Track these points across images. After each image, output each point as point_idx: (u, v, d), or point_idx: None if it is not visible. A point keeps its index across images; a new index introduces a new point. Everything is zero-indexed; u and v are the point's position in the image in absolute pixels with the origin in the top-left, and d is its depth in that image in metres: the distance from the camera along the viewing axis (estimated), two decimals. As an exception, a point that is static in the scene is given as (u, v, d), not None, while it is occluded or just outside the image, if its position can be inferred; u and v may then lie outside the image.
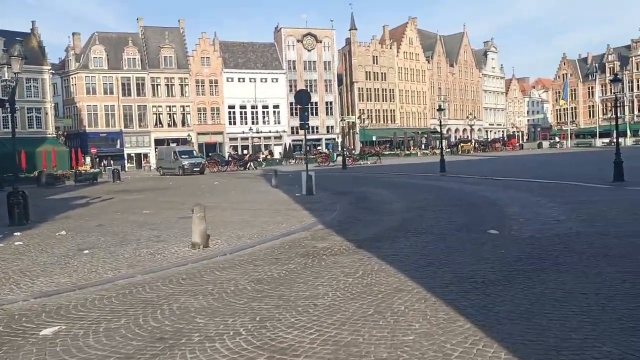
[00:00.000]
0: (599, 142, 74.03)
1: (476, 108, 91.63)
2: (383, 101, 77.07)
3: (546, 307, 4.86)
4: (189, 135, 63.84)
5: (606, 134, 79.74)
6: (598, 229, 8.82)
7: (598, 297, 5.08)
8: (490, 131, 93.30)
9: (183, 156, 42.10)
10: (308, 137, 70.09)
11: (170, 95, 64.81)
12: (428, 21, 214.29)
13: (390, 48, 77.86)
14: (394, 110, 78.14)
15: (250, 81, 67.97)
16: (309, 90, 67.40)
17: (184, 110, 65.39)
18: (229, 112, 67.30)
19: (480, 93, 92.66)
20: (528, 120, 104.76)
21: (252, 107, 68.24)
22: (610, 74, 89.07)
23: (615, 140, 68.04)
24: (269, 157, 60.15)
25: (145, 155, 63.58)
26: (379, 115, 76.73)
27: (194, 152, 47.28)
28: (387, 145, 68.72)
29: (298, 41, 70.86)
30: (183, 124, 65.17)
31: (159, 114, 64.58)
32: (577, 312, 4.70)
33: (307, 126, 20.19)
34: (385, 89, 77.22)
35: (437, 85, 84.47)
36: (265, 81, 68.65)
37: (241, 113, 67.76)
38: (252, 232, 10.72)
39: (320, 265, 7.28)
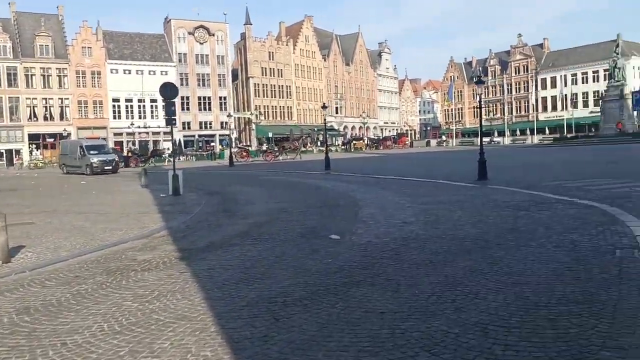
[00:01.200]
0: (478, 140, 78.59)
1: (371, 107, 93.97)
2: (280, 97, 76.49)
3: (333, 335, 4.23)
4: (64, 129, 59.10)
5: (488, 133, 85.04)
6: (437, 232, 8.58)
7: (394, 317, 4.55)
8: (385, 129, 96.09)
9: (92, 152, 35.27)
10: (201, 132, 68.21)
11: (47, 87, 59.75)
12: (325, 20, 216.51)
13: (287, 45, 77.44)
14: (290, 107, 77.84)
15: (137, 73, 64.42)
16: (203, 84, 65.70)
17: (62, 103, 60.54)
18: (114, 106, 63.37)
19: (375, 92, 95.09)
20: (420, 119, 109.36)
21: (139, 100, 64.74)
22: (492, 77, 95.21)
23: (492, 139, 71.93)
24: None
25: (18, 152, 58.06)
26: (276, 112, 76.05)
27: (106, 146, 40.10)
28: (306, 139, 67.05)
29: (189, 33, 68.23)
30: (62, 117, 60.33)
31: (33, 106, 59.27)
32: (363, 338, 4.12)
33: (174, 122, 18.87)
34: (282, 86, 76.70)
35: (333, 83, 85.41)
36: (154, 74, 65.37)
37: (127, 107, 64.04)
38: (76, 242, 9.41)
39: (119, 284, 6.27)
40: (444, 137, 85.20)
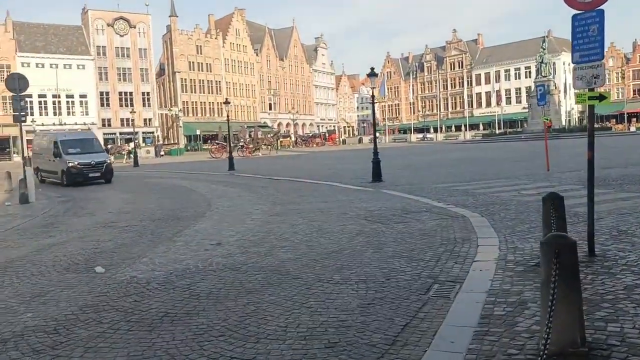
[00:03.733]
0: (414, 137, 78.39)
1: (307, 103, 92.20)
2: (209, 93, 73.40)
3: None
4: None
5: (423, 129, 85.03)
6: (241, 259, 6.60)
7: None
8: (322, 126, 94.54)
9: (71, 150, 21.97)
10: (121, 130, 64.17)
11: (-53, 81, 54.38)
12: (258, 14, 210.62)
13: (216, 38, 74.41)
14: (220, 103, 74.79)
15: (52, 67, 59.88)
16: (124, 79, 61.50)
17: (-36, 98, 55.44)
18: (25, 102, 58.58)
19: (311, 88, 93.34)
20: (358, 115, 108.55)
21: (54, 96, 60.23)
22: (428, 72, 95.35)
23: (425, 136, 71.67)
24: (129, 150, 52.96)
25: None
26: (205, 108, 72.95)
27: (94, 142, 24.05)
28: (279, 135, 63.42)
29: (109, 25, 64.12)
30: (-37, 114, 55.23)
31: None
32: None
33: (23, 118, 16.21)
34: (211, 81, 73.64)
35: (267, 79, 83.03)
36: (70, 68, 60.99)
37: (40, 103, 59.37)
38: None
39: None
40: (377, 134, 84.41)
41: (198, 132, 66.69)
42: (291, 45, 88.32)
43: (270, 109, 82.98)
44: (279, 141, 54.90)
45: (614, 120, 77.49)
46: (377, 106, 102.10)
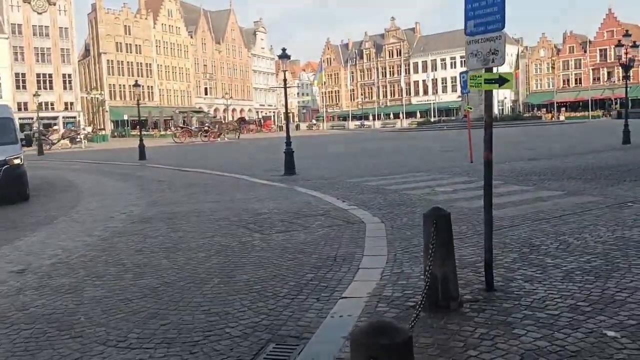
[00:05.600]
0: (352, 124, 77.59)
1: (246, 88, 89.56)
2: (139, 76, 69.34)
3: None
4: None
5: (362, 116, 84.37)
6: (29, 299, 4.87)
7: None
8: (261, 112, 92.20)
9: None
10: (42, 114, 59.49)
11: None
12: None
13: (146, 19, 70.45)
14: (151, 87, 71.16)
15: (-42, 45, 54.60)
16: (43, 59, 56.65)
17: None
18: None
19: (250, 73, 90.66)
20: (298, 102, 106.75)
21: (-38, 77, 55.05)
22: (367, 60, 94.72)
23: (363, 123, 71.14)
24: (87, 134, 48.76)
25: None
26: (133, 92, 69.02)
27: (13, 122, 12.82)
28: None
29: (25, 1, 59.09)
30: None
31: None
32: None
33: None
34: (141, 63, 69.78)
35: (202, 62, 79.78)
36: (-21, 46, 55.85)
37: (-55, 85, 54.11)
38: None
39: None
40: (313, 121, 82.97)
41: (126, 117, 62.99)
42: (228, 29, 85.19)
43: (206, 93, 79.87)
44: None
45: (545, 109, 79.55)
46: (316, 92, 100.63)
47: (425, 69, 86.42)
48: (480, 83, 4.37)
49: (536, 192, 9.90)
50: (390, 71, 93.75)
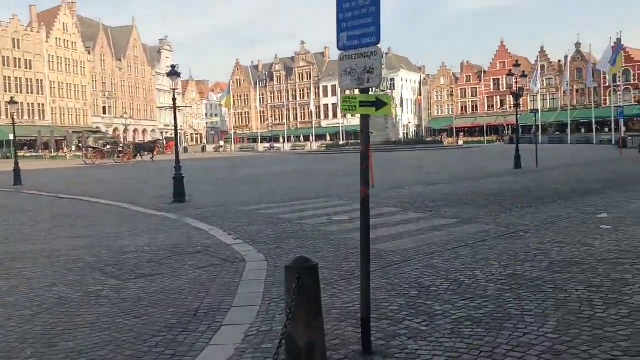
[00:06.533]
0: (261, 146, 76.70)
1: (149, 107, 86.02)
2: (28, 93, 64.34)
3: None
4: None
5: (272, 138, 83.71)
6: None
7: None
8: (166, 132, 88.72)
9: None
10: None
11: None
12: (92, 9, 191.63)
13: (38, 32, 65.68)
14: (43, 104, 66.12)
15: None
16: None
17: None
18: None
19: (153, 92, 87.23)
20: (207, 123, 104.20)
21: None
22: (277, 82, 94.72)
23: (272, 145, 70.33)
24: None
25: None
26: (23, 110, 63.69)
27: None
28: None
29: None
30: None
31: None
32: None
33: None
34: (31, 79, 64.70)
35: (101, 80, 75.57)
36: None
37: None
38: None
39: None
40: (221, 143, 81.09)
41: (11, 137, 57.61)
42: (130, 45, 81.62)
43: (104, 112, 75.55)
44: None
45: (445, 133, 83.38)
46: (227, 114, 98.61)
47: (334, 93, 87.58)
48: (355, 106, 3.70)
49: (432, 220, 9.56)
50: (300, 94, 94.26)
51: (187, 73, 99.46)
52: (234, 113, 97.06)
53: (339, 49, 3.76)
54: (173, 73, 13.85)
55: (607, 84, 66.15)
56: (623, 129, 40.67)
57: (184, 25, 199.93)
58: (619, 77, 55.85)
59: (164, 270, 6.50)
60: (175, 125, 15.02)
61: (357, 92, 3.81)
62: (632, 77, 69.56)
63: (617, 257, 6.19)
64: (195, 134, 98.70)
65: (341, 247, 7.51)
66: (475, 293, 5.00)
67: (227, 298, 5.23)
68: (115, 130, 74.29)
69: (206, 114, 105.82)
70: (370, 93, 3.84)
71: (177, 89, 14.07)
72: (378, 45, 3.58)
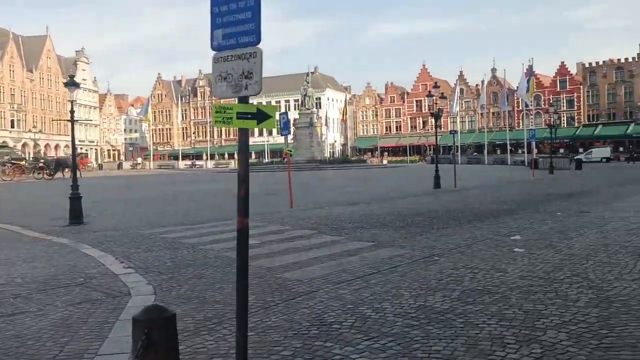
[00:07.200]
0: (182, 164, 74.31)
1: (63, 122, 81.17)
2: None
3: None
4: None
5: (195, 156, 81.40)
6: None
7: None
8: (81, 148, 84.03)
9: None
10: None
11: None
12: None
13: (-63, 37, 60.46)
14: (-60, 116, 60.60)
15: None
16: None
17: None
18: None
19: (68, 105, 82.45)
20: (125, 138, 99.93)
21: None
22: (201, 98, 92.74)
23: (194, 163, 68.40)
24: None
25: None
26: None
27: None
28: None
29: None
30: None
31: None
32: None
33: None
34: None
35: (9, 92, 70.52)
36: None
37: None
38: None
39: None
40: (138, 160, 77.75)
41: None
42: (43, 56, 76.99)
43: (12, 126, 70.47)
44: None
45: (370, 153, 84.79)
46: (147, 129, 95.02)
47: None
48: (231, 118, 3.07)
49: (346, 243, 9.09)
50: None
51: (105, 86, 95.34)
52: (155, 129, 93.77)
53: (213, 48, 3.14)
54: (71, 83, 12.68)
55: (521, 108, 69.98)
56: (535, 150, 42.76)
57: (103, 37, 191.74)
58: (531, 102, 59.20)
59: (29, 307, 5.53)
60: (73, 140, 13.80)
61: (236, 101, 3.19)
62: (542, 102, 74.07)
63: (529, 284, 5.92)
64: (113, 150, 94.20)
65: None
66: (380, 331, 4.47)
67: (94, 343, 4.39)
68: (24, 145, 69.41)
69: (125, 129, 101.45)
70: (253, 102, 3.22)
71: (74, 100, 12.90)
72: (258, 46, 2.99)
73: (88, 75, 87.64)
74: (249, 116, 3.07)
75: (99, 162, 74.83)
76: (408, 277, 6.44)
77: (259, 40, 2.98)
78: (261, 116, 3.08)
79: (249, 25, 2.99)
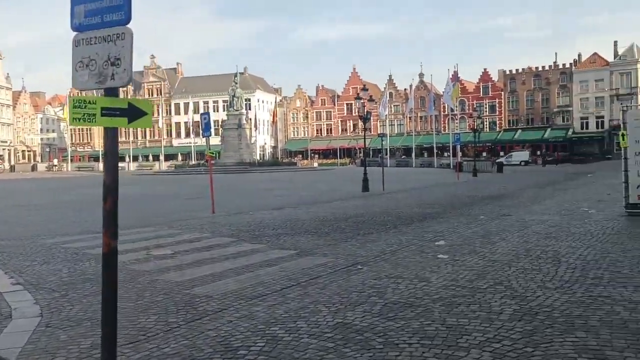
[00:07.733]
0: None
1: (-29, 120, 75.28)
2: None
3: None
4: None
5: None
6: None
7: None
8: (-7, 149, 78.23)
9: None
10: None
11: None
12: None
13: None
14: None
15: None
16: None
17: None
18: None
19: (-25, 102, 76.52)
20: (42, 139, 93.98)
21: None
22: (125, 95, 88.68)
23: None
24: None
25: None
26: None
27: None
28: None
29: None
30: None
31: None
32: None
33: None
34: None
35: None
36: None
37: None
38: None
39: None
40: (55, 161, 73.35)
41: None
42: (-53, 49, 71.00)
43: None
44: None
45: (301, 155, 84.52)
46: (64, 129, 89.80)
47: (187, 111, 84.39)
48: (94, 115, 2.48)
49: (267, 252, 8.56)
50: (167, 110, 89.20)
51: (20, 83, 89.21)
52: (74, 129, 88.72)
53: (73, 28, 2.54)
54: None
55: (447, 112, 72.17)
56: (459, 154, 44.03)
57: (18, 33, 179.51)
58: (456, 107, 61.08)
59: None
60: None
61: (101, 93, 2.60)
62: (467, 107, 76.77)
63: (453, 294, 5.65)
64: (28, 150, 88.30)
65: (147, 293, 6.13)
66: (292, 356, 3.99)
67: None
68: None
69: (42, 129, 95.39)
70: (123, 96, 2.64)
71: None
72: (128, 26, 2.42)
73: (0, 71, 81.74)
74: (118, 113, 2.49)
75: (12, 163, 69.66)
76: (328, 290, 6.01)
77: (129, 19, 2.42)
78: (134, 113, 2.51)
79: (117, 1, 2.42)
